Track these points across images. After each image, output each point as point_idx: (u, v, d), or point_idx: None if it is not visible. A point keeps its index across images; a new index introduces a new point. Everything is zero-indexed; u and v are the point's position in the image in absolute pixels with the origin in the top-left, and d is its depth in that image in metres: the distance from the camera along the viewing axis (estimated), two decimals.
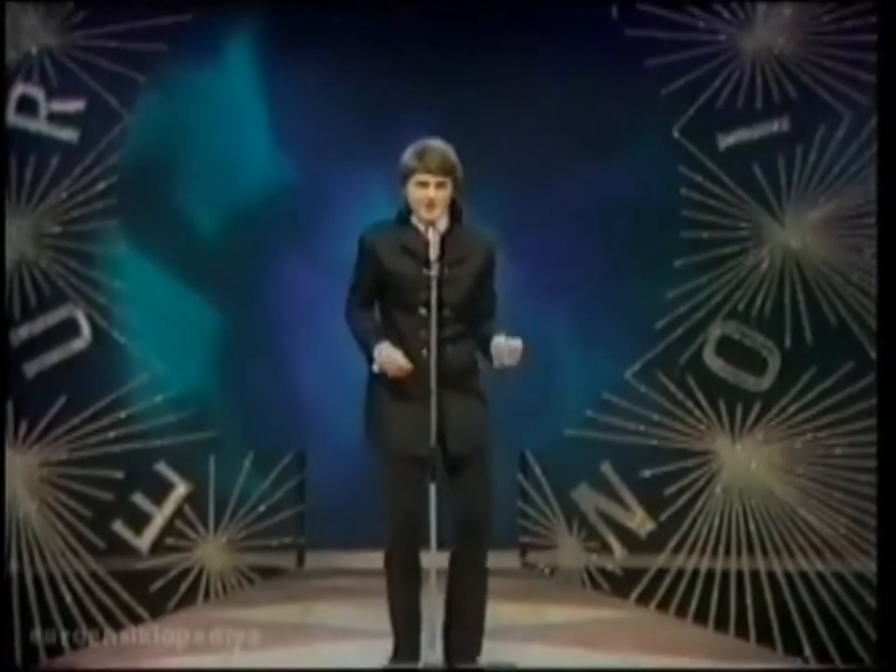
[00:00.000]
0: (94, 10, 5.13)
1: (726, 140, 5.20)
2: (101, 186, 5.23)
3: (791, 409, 5.16)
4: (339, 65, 5.33)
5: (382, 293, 3.64)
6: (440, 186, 3.56)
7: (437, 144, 3.59)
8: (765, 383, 5.22)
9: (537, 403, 5.28)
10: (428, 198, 3.54)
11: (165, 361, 5.27)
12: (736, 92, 5.18)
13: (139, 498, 5.20)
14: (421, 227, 3.61)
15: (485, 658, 3.64)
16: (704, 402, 5.22)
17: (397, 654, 3.64)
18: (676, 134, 5.22)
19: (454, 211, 3.64)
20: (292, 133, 5.46)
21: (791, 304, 5.21)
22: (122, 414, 5.17)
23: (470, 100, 5.23)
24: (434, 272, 3.51)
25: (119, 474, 5.12)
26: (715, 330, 5.26)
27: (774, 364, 5.22)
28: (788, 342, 5.22)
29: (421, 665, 3.55)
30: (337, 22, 5.33)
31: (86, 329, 5.23)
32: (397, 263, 3.59)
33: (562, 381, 5.37)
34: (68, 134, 5.20)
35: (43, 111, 5.18)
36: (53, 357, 5.22)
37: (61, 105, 5.18)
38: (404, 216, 3.63)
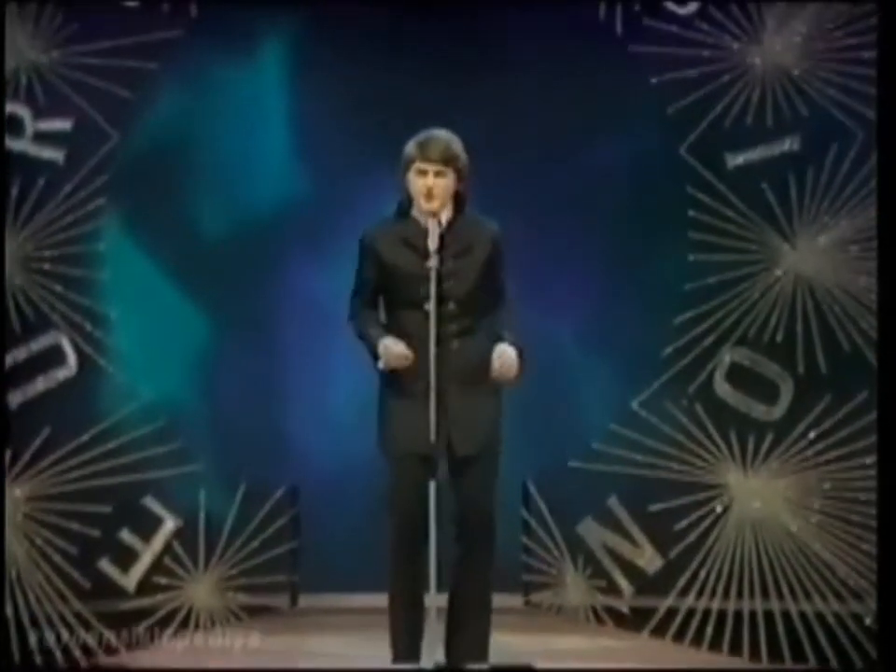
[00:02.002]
0: (82, 26, 5.04)
1: (735, 159, 5.09)
2: (88, 207, 5.12)
3: (805, 439, 5.03)
4: (347, 77, 5.23)
5: (385, 290, 3.59)
6: (439, 175, 3.52)
7: (440, 133, 3.55)
8: (778, 412, 5.08)
9: (540, 434, 5.16)
10: (427, 187, 3.50)
11: (154, 390, 5.14)
12: (746, 110, 5.07)
13: (126, 534, 5.08)
14: (421, 219, 3.55)
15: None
16: (714, 433, 5.08)
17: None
18: (683, 153, 5.10)
19: (457, 203, 3.57)
20: (295, 152, 5.33)
21: (804, 330, 5.07)
22: (109, 446, 5.04)
23: (477, 120, 5.02)
24: (433, 263, 3.45)
25: (105, 509, 4.99)
26: (725, 357, 5.12)
27: (786, 392, 5.08)
28: (801, 369, 5.08)
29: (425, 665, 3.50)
30: (347, 30, 5.23)
31: (72, 356, 5.10)
32: (397, 257, 3.55)
33: (566, 410, 5.25)
34: (54, 154, 5.08)
35: (29, 130, 5.07)
36: (38, 386, 5.09)
37: (47, 125, 5.07)
38: (405, 208, 3.57)
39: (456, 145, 3.57)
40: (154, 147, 5.19)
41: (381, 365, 3.54)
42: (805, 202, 5.07)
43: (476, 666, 3.55)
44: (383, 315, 3.65)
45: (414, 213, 3.59)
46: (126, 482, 5.04)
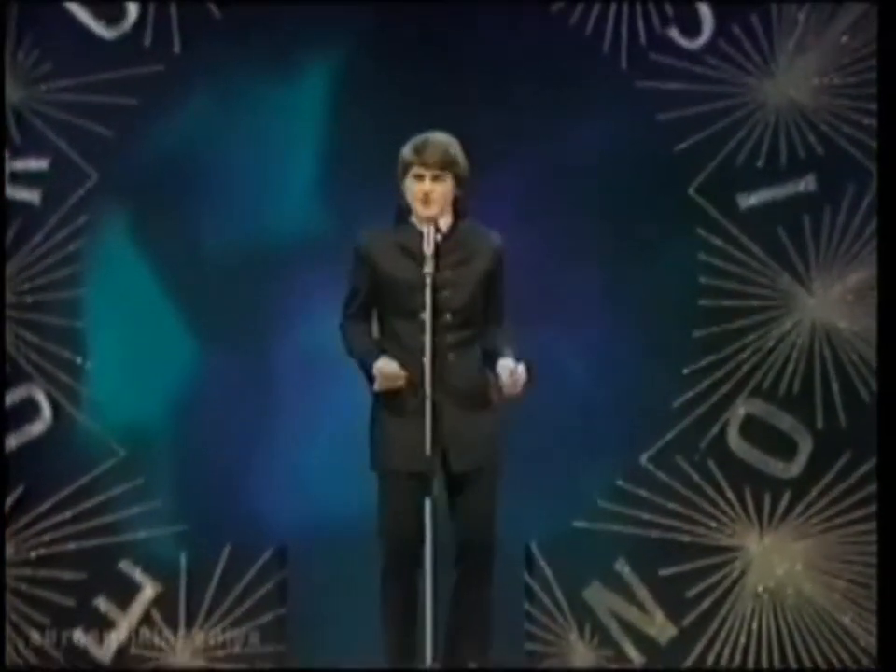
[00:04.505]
0: (60, 62, 4.92)
1: (748, 200, 4.96)
2: (66, 251, 4.97)
3: (825, 499, 4.87)
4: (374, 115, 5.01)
5: (379, 299, 3.57)
6: (436, 179, 3.47)
7: (438, 136, 3.53)
8: (796, 469, 4.91)
9: (542, 492, 4.93)
10: (423, 192, 3.46)
11: (134, 446, 4.95)
12: (758, 148, 4.95)
13: (102, 602, 4.89)
14: (419, 226, 3.50)
15: None
16: (728, 491, 4.91)
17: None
18: (692, 194, 4.97)
19: (457, 210, 3.55)
20: (313, 189, 5.10)
21: (822, 381, 4.92)
22: (85, 506, 4.88)
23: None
24: (429, 268, 3.42)
25: (80, 575, 4.84)
26: (739, 410, 4.95)
27: (804, 448, 4.91)
28: (819, 422, 4.91)
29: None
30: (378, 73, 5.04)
31: (47, 410, 4.94)
32: (393, 265, 3.51)
33: (570, 467, 5.02)
34: (30, 196, 4.94)
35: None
36: (10, 442, 4.90)
37: (23, 164, 4.94)
38: (403, 215, 3.53)
39: (455, 149, 3.52)
40: (136, 186, 5.03)
41: (376, 388, 3.49)
42: (822, 244, 4.94)
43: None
44: (376, 326, 3.59)
45: (413, 220, 3.54)
46: (102, 544, 4.89)
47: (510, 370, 3.42)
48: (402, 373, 3.42)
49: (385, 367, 3.44)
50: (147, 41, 4.96)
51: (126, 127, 4.95)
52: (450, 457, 3.45)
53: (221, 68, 5.00)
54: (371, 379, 3.50)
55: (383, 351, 3.51)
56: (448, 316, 3.45)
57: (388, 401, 3.49)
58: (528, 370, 3.47)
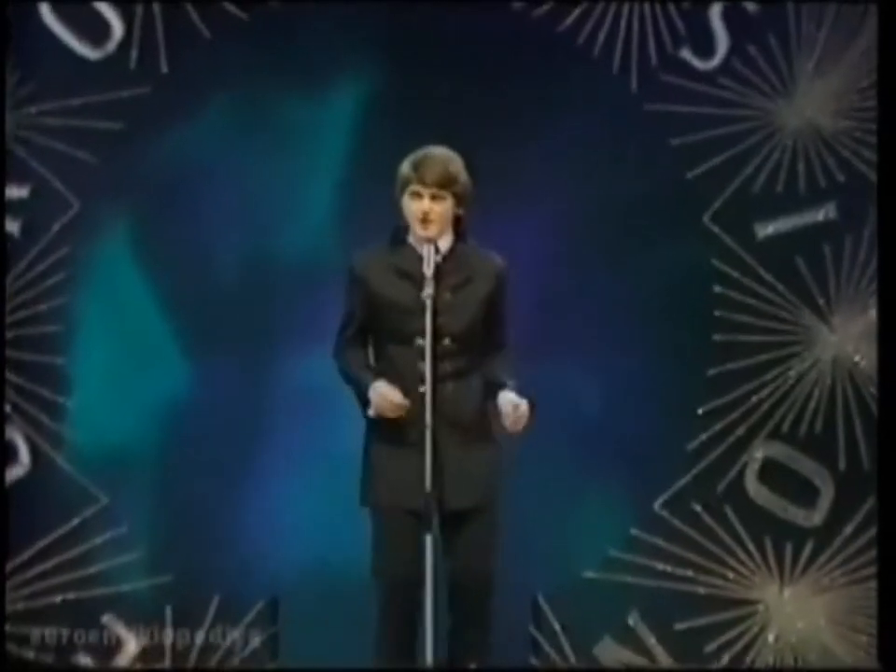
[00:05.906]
0: (41, 84, 4.81)
1: (765, 229, 4.87)
2: (47, 283, 4.84)
3: (850, 548, 4.75)
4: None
5: (374, 324, 3.49)
6: (436, 198, 3.40)
7: (439, 152, 3.47)
8: (818, 516, 4.80)
9: (550, 540, 4.83)
10: (422, 211, 3.40)
11: (116, 492, 4.82)
12: (776, 175, 4.86)
13: (83, 659, 4.77)
14: (418, 247, 3.44)
15: None
16: (746, 540, 4.79)
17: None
18: (706, 222, 4.87)
19: (457, 230, 3.48)
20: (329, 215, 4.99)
21: (845, 422, 4.80)
22: (66, 557, 4.75)
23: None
24: (429, 289, 3.34)
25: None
26: (756, 453, 4.83)
27: (827, 493, 4.80)
28: (842, 466, 4.80)
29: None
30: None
31: (25, 453, 4.81)
32: (390, 287, 3.44)
33: (579, 514, 4.90)
34: (10, 226, 4.81)
35: None
36: None
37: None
38: (400, 235, 3.46)
39: (455, 166, 3.44)
40: (120, 216, 4.91)
41: (371, 413, 3.40)
42: (843, 276, 4.84)
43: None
44: (372, 354, 3.52)
45: (411, 240, 3.47)
46: (83, 598, 4.77)
47: (513, 405, 3.33)
48: (406, 402, 3.34)
49: (387, 391, 3.35)
50: (133, 62, 4.86)
51: (111, 153, 4.85)
52: (447, 493, 3.33)
53: (210, 89, 4.90)
54: (365, 403, 3.41)
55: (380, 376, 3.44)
56: (447, 342, 3.38)
57: (384, 433, 3.41)
58: (531, 406, 3.37)
